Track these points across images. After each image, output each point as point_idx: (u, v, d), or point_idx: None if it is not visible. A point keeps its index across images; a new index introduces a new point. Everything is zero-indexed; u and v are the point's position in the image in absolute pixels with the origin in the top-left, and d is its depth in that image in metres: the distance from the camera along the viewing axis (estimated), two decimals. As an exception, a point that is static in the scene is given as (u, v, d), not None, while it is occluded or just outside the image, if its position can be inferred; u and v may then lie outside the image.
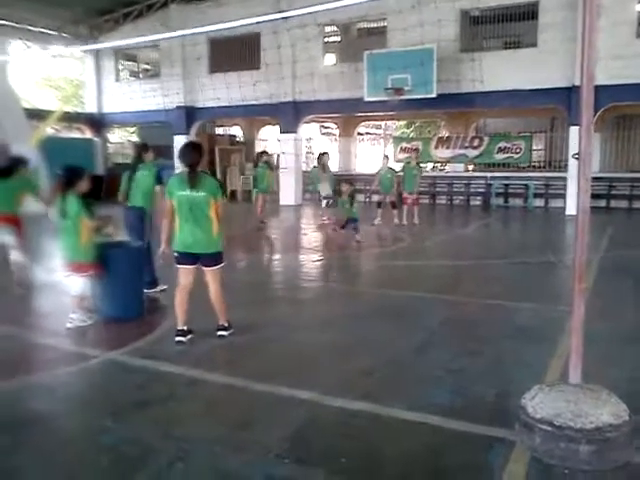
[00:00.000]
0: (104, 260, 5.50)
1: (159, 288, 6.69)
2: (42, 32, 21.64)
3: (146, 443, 3.31)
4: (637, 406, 3.09)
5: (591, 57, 3.07)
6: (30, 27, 21.25)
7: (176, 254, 5.01)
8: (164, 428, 3.49)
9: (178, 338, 5.03)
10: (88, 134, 23.60)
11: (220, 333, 5.11)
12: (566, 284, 7.70)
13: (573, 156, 14.66)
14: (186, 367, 4.46)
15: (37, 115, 19.05)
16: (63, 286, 5.79)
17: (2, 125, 15.58)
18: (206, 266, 4.99)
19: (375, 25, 20.05)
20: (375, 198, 12.82)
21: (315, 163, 14.58)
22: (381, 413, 3.65)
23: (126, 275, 5.68)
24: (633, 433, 2.93)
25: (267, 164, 13.76)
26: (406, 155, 21.25)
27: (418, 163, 14.41)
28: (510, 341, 5.08)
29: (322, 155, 14.11)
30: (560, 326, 5.32)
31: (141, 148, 6.99)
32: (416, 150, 16.95)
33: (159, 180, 6.65)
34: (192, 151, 4.93)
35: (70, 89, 30.48)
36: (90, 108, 23.83)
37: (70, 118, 23.78)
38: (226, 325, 5.14)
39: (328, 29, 20.20)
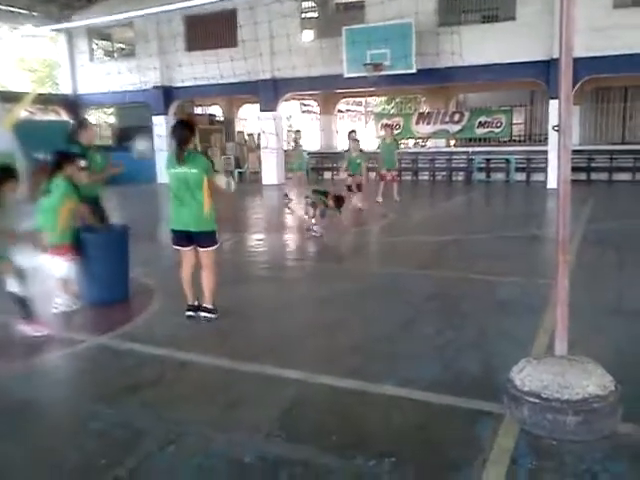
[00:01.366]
0: (87, 243, 5.44)
1: None
2: (11, 11, 21.08)
3: (137, 427, 3.30)
4: (623, 377, 3.14)
5: (569, 28, 3.05)
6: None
7: (172, 232, 5.03)
8: (154, 411, 3.48)
9: (188, 313, 5.14)
10: (64, 116, 23.16)
11: (203, 314, 5.11)
12: (549, 257, 7.79)
13: (553, 128, 14.68)
14: (174, 349, 4.46)
15: (10, 98, 18.60)
16: (46, 269, 5.70)
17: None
18: (200, 246, 4.99)
19: (353, 0, 19.83)
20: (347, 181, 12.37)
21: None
22: (369, 389, 3.68)
23: (111, 258, 5.64)
24: (619, 403, 2.97)
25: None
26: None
27: (395, 140, 14.28)
28: (495, 315, 5.14)
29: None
30: (545, 299, 5.39)
31: (74, 126, 6.51)
32: (390, 127, 16.64)
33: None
34: (181, 129, 4.91)
35: (44, 70, 29.84)
36: (65, 89, 23.34)
37: (45, 100, 23.30)
38: (211, 308, 5.12)
39: (305, 4, 19.94)
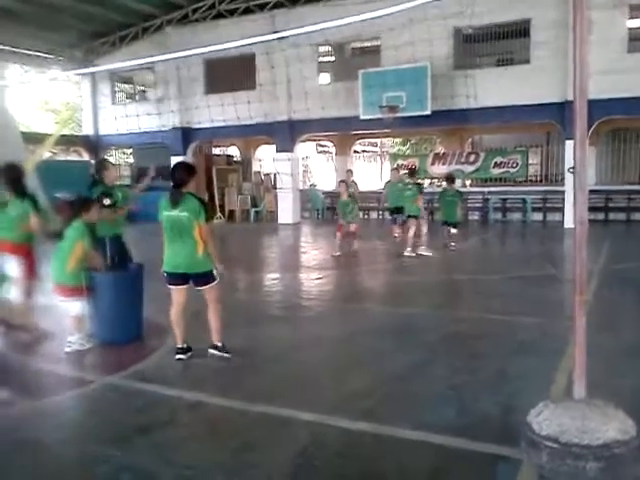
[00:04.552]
0: (100, 284, 5.47)
1: None
2: (38, 56, 21.80)
3: (146, 471, 3.25)
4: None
5: (583, 72, 3.08)
6: (26, 51, 21.38)
7: (165, 274, 5.02)
8: (165, 454, 3.43)
9: (178, 356, 5.05)
10: (85, 157, 23.64)
11: (212, 352, 5.08)
12: (567, 297, 7.69)
13: (569, 170, 14.71)
14: (186, 390, 4.42)
15: (35, 139, 19.08)
16: (61, 309, 5.73)
17: (2, 150, 15.59)
18: (196, 285, 4.99)
19: (369, 44, 20.22)
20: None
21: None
22: (384, 433, 3.60)
23: (124, 298, 5.63)
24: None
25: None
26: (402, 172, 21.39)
27: (404, 181, 12.66)
28: (512, 356, 5.04)
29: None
30: (563, 339, 5.29)
31: (98, 165, 6.61)
32: (397, 169, 16.16)
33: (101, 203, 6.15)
34: (180, 171, 4.94)
35: (67, 112, 30.60)
36: (87, 131, 23.90)
37: (67, 141, 23.83)
38: (219, 345, 5.08)
39: (322, 49, 20.35)
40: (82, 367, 5.16)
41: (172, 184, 4.89)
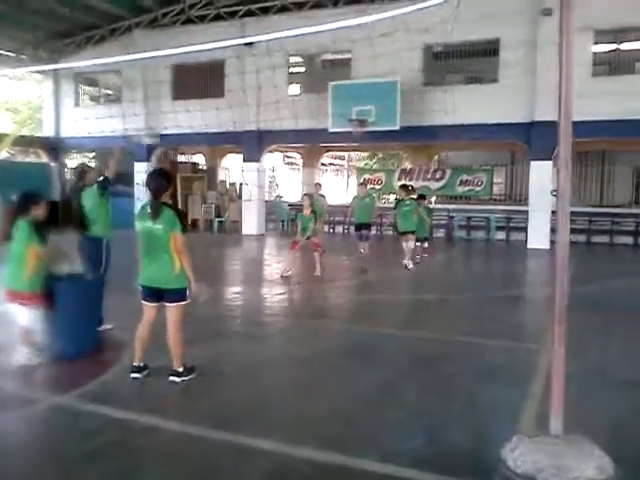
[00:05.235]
0: (55, 292, 5.15)
1: (103, 327, 6.12)
2: (0, 54, 21.11)
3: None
4: (619, 455, 2.93)
5: (568, 93, 2.99)
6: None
7: (140, 288, 4.77)
8: (114, 485, 3.18)
9: (133, 375, 4.79)
10: (45, 159, 22.95)
11: (172, 379, 4.76)
12: (532, 319, 7.69)
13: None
14: (140, 412, 4.14)
15: (-9, 138, 18.45)
16: (10, 318, 5.39)
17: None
18: (168, 301, 4.72)
19: (340, 57, 20.19)
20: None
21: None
22: (349, 464, 3.41)
23: (79, 309, 5.34)
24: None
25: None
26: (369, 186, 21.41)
27: (371, 195, 13.51)
28: (481, 381, 4.91)
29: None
30: (530, 364, 5.23)
31: (82, 170, 6.64)
32: (364, 183, 16.58)
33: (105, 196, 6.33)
34: (157, 179, 4.70)
35: (27, 112, 29.77)
36: (47, 132, 23.21)
37: (26, 142, 23.10)
38: (180, 370, 4.79)
39: (293, 59, 20.24)
40: (29, 384, 4.85)
41: (150, 193, 4.63)
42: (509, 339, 6.21)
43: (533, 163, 15.86)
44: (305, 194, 11.47)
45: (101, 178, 6.35)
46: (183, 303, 4.74)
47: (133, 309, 5.00)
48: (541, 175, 15.65)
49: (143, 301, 4.80)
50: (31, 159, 23.77)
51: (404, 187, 12.32)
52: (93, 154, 25.52)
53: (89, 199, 6.29)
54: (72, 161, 23.93)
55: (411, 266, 11.43)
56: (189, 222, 20.74)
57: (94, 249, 6.24)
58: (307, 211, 10.54)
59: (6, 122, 29.74)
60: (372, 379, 4.95)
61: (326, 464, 3.43)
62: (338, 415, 4.17)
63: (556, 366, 2.94)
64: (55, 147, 22.81)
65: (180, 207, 20.49)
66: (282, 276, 10.40)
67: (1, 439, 3.89)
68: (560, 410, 2.94)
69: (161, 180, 4.70)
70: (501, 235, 18.11)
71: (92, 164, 25.36)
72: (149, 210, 4.61)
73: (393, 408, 4.32)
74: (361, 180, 19.92)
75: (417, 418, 4.13)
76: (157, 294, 4.72)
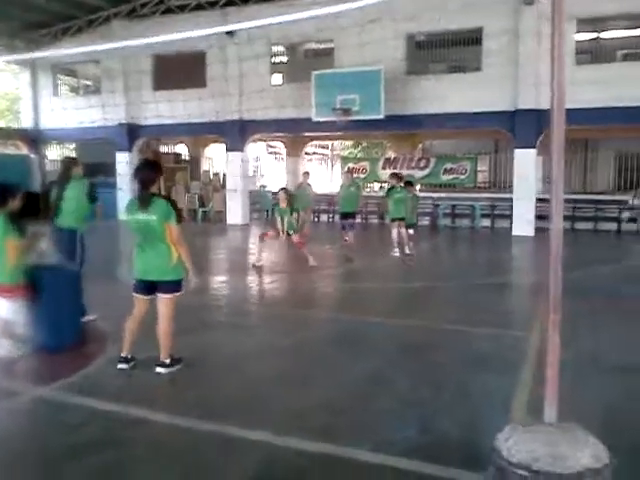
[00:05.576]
0: (37, 283, 5.05)
1: (86, 318, 6.03)
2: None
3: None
4: (613, 442, 2.91)
5: (561, 83, 2.95)
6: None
7: (134, 281, 4.68)
8: (100, 481, 3.10)
9: (120, 365, 4.72)
10: (24, 150, 22.56)
11: (158, 370, 4.69)
12: (519, 306, 7.70)
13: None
14: (126, 404, 4.06)
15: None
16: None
17: None
18: (160, 292, 4.62)
19: (322, 46, 20.05)
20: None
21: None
22: (340, 454, 3.37)
23: (61, 300, 5.25)
24: (613, 476, 2.73)
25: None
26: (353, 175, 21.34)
27: (356, 184, 13.55)
28: (470, 369, 4.89)
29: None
30: (519, 352, 5.22)
31: (69, 163, 6.54)
32: (350, 172, 16.64)
33: (92, 197, 6.31)
34: (146, 170, 4.60)
35: (4, 104, 29.23)
36: (26, 123, 22.80)
37: (4, 134, 22.68)
38: (167, 362, 4.71)
39: (275, 49, 20.05)
40: (11, 376, 4.73)
41: (139, 184, 4.54)
42: (496, 326, 6.20)
43: (517, 151, 15.87)
44: (281, 188, 11.18)
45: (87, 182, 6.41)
46: (177, 294, 4.67)
47: (116, 300, 4.91)
48: (525, 163, 15.68)
49: (135, 294, 4.71)
50: (10, 151, 23.30)
51: (395, 175, 12.34)
52: (74, 145, 25.09)
53: (73, 191, 6.23)
54: (52, 152, 23.52)
55: (408, 252, 11.54)
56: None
57: (68, 241, 6.16)
58: (283, 204, 10.32)
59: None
60: (361, 368, 4.91)
61: (317, 454, 3.39)
62: (328, 405, 4.13)
63: (551, 354, 2.90)
64: (34, 138, 22.42)
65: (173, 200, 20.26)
66: (254, 266, 10.21)
67: (-17, 434, 3.79)
68: (554, 398, 2.91)
69: (150, 170, 4.61)
70: (486, 222, 18.14)
71: (74, 155, 25.02)
72: (138, 201, 4.51)
73: (383, 397, 4.29)
74: (345, 169, 19.80)
75: (408, 407, 4.09)
76: (150, 287, 4.63)
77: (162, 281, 4.59)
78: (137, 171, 4.58)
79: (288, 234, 10.22)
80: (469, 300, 7.77)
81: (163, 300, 4.63)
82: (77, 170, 6.42)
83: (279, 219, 10.29)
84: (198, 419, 3.82)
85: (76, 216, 6.23)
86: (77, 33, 20.52)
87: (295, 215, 10.26)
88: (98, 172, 21.22)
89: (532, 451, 2.72)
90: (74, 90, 24.21)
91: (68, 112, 21.42)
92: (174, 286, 4.62)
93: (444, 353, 5.36)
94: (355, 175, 20.88)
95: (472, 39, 16.81)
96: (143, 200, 4.50)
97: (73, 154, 24.24)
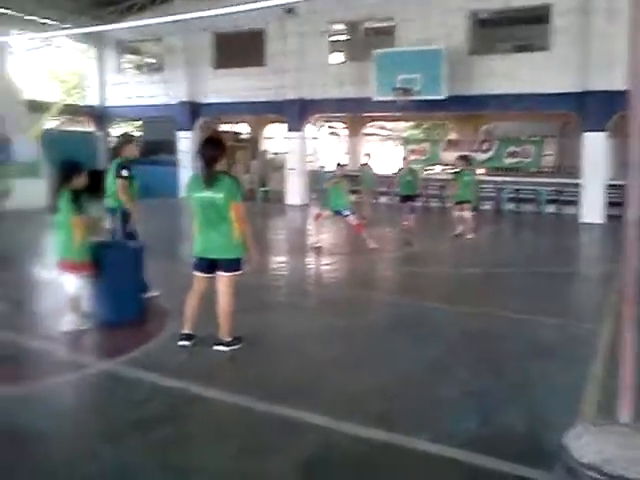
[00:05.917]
0: (100, 260, 5.17)
1: (149, 294, 6.09)
2: (44, 23, 21.24)
3: (138, 473, 2.96)
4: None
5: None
6: (32, 17, 20.83)
7: (194, 259, 4.70)
8: (160, 455, 3.16)
9: (181, 342, 4.76)
10: (91, 127, 23.23)
11: (217, 348, 4.72)
12: (588, 297, 7.38)
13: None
14: (187, 381, 4.11)
15: (38, 108, 18.69)
16: (59, 286, 5.43)
17: (4, 118, 15.25)
18: (222, 270, 4.62)
19: (383, 25, 19.66)
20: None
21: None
22: (400, 443, 3.30)
23: (123, 277, 5.34)
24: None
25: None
26: (413, 157, 21.01)
27: (412, 169, 13.11)
28: (536, 360, 4.70)
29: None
30: (588, 345, 5.01)
31: (119, 142, 6.47)
32: (406, 159, 16.26)
33: (120, 176, 6.08)
34: (211, 147, 4.55)
35: (74, 81, 30.10)
36: (92, 101, 23.45)
37: (72, 111, 23.37)
38: (227, 340, 4.74)
39: (336, 27, 19.81)
40: (78, 349, 4.90)
41: (203, 162, 4.50)
42: (563, 317, 5.96)
43: (586, 134, 15.20)
44: (338, 164, 11.15)
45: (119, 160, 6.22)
46: (238, 273, 4.66)
47: (179, 277, 4.96)
48: (595, 147, 14.99)
49: (195, 272, 4.73)
50: (77, 128, 24.04)
51: (464, 158, 12.21)
52: (139, 123, 25.66)
53: (110, 171, 6.23)
54: (116, 129, 24.12)
55: (471, 235, 11.54)
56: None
57: (112, 220, 6.17)
58: (335, 181, 10.30)
59: (55, 91, 30.13)
60: (420, 354, 4.82)
61: (373, 442, 3.33)
62: (385, 391, 4.06)
63: (626, 349, 2.74)
64: (100, 116, 23.05)
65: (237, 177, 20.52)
66: (313, 247, 10.24)
67: (53, 402, 3.92)
68: (630, 397, 2.75)
69: (214, 148, 4.56)
70: (551, 208, 17.53)
71: (135, 133, 25.63)
72: (202, 179, 4.51)
73: (443, 385, 4.19)
74: (404, 154, 19.49)
75: (469, 397, 3.98)
76: (211, 265, 4.64)
77: (223, 259, 4.59)
78: (201, 149, 4.54)
79: (338, 213, 10.11)
80: (534, 288, 7.52)
81: (223, 279, 4.64)
82: (129, 149, 6.31)
83: (331, 197, 10.24)
84: (256, 398, 3.83)
85: (112, 196, 6.14)
86: (140, 11, 20.84)
87: (348, 193, 10.19)
88: (160, 150, 21.69)
89: (604, 452, 2.59)
90: (138, 68, 24.70)
91: (132, 90, 21.91)
92: (234, 264, 4.61)
93: (507, 342, 5.19)
94: (415, 157, 20.61)
95: (539, 17, 16.15)
96: (209, 178, 4.47)
97: (136, 132, 24.84)
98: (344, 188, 10.18)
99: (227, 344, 4.72)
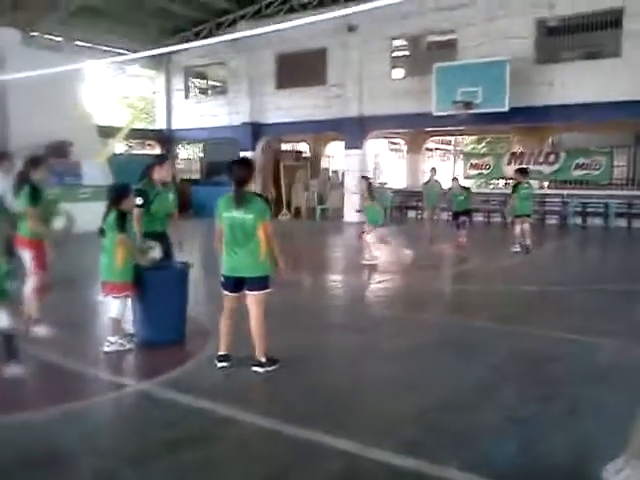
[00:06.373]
0: (144, 281, 5.22)
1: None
2: (119, 53, 22.27)
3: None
4: None
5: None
6: (106, 47, 21.91)
7: (222, 278, 4.71)
8: (185, 477, 3.10)
9: (219, 364, 4.76)
10: (157, 150, 24.06)
11: (255, 369, 4.68)
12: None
13: None
14: (220, 403, 4.07)
15: (110, 132, 19.50)
16: (103, 308, 5.54)
17: (76, 143, 15.97)
18: (250, 290, 4.62)
19: (445, 38, 19.42)
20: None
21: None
22: (428, 472, 3.13)
23: (167, 297, 5.36)
24: None
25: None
26: (476, 171, 20.56)
27: (463, 187, 13.10)
28: (590, 386, 4.40)
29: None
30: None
31: (151, 163, 5.94)
32: (455, 179, 15.46)
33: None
34: (241, 168, 4.61)
35: (142, 106, 31.34)
36: (160, 125, 24.30)
37: (141, 135, 24.30)
38: (263, 361, 4.69)
39: (396, 43, 19.74)
40: (118, 370, 4.94)
41: (234, 183, 4.55)
42: (623, 338, 5.54)
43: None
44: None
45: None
46: (267, 291, 4.64)
47: (219, 296, 4.94)
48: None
49: (224, 291, 4.74)
50: (144, 151, 24.95)
51: (523, 171, 11.85)
52: (202, 145, 26.39)
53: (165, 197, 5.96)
54: (182, 152, 24.88)
55: (531, 247, 11.31)
56: (292, 210, 20.96)
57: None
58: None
59: (125, 116, 31.45)
60: (466, 376, 4.60)
61: (401, 470, 3.16)
62: (422, 416, 3.88)
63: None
64: (167, 139, 23.84)
65: (284, 195, 20.73)
66: (364, 264, 10.14)
67: (88, 421, 3.96)
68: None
69: (245, 169, 4.62)
70: (621, 222, 16.67)
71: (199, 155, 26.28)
72: (233, 199, 4.53)
73: (485, 410, 3.97)
74: (453, 176, 18.99)
75: (512, 423, 3.75)
76: (238, 283, 4.64)
77: (250, 277, 4.57)
78: (232, 170, 4.58)
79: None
80: (595, 307, 7.09)
81: (252, 298, 4.62)
82: (158, 171, 5.84)
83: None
84: (288, 423, 3.73)
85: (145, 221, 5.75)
86: (207, 37, 21.49)
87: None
88: (222, 171, 22.16)
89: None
90: (203, 92, 25.44)
91: (197, 113, 22.57)
92: (262, 282, 4.58)
93: (559, 365, 4.88)
94: (477, 171, 20.22)
95: (610, 21, 15.49)
96: (239, 199, 4.50)
97: (201, 154, 25.49)
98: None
99: (262, 365, 4.67)
